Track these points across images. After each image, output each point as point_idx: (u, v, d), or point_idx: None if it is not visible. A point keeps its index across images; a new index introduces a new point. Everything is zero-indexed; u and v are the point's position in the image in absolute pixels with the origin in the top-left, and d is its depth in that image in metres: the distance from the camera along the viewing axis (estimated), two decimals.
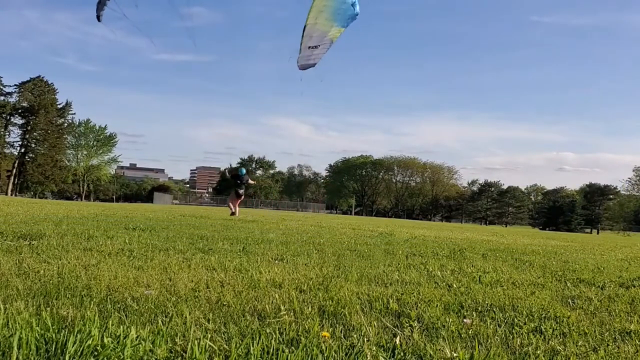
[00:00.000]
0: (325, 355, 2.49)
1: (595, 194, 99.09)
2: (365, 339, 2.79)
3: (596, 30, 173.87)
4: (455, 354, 2.64)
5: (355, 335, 2.86)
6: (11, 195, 67.59)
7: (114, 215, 13.42)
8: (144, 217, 13.38)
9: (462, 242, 11.41)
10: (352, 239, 9.73)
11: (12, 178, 74.40)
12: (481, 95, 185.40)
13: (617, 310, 4.02)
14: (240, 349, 2.46)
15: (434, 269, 5.81)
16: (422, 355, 2.63)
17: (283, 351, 2.45)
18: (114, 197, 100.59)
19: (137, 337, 2.49)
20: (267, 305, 3.39)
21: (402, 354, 2.63)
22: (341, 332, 2.93)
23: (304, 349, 2.52)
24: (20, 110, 75.37)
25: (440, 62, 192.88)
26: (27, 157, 77.25)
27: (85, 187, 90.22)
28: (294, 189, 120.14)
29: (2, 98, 74.62)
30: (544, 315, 3.67)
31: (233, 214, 18.04)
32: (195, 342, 2.45)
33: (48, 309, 2.91)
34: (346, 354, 2.54)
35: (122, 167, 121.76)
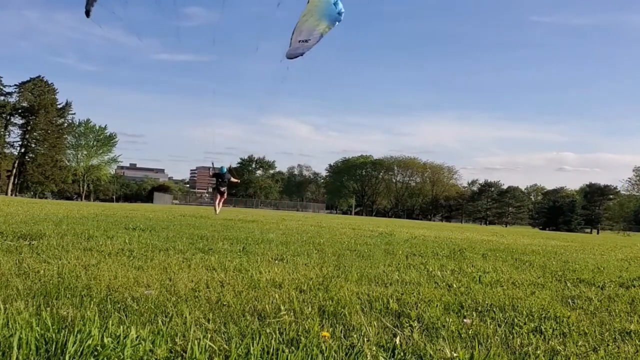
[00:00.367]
0: (325, 355, 2.49)
1: (595, 194, 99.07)
2: (365, 339, 2.79)
3: (596, 30, 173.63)
4: (455, 354, 2.63)
5: (355, 335, 2.85)
6: (11, 195, 67.59)
7: (114, 215, 13.42)
8: (144, 217, 13.38)
9: (462, 242, 11.41)
10: (352, 239, 9.73)
11: (12, 178, 74.39)
12: (481, 95, 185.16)
13: (617, 310, 4.02)
14: (240, 349, 2.46)
15: (434, 269, 5.81)
16: (422, 355, 2.63)
17: (283, 351, 2.45)
18: (114, 197, 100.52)
19: (137, 337, 2.48)
20: (267, 305, 3.39)
21: (402, 354, 2.62)
22: (341, 332, 2.93)
23: (304, 349, 2.51)
24: (20, 110, 75.36)
25: (440, 62, 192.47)
26: (27, 157, 77.25)
27: (85, 187, 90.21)
28: (294, 189, 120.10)
29: (2, 98, 74.61)
30: (544, 315, 3.67)
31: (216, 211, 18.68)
32: (195, 342, 2.45)
33: (48, 309, 2.91)
34: (346, 354, 2.54)
35: (122, 167, 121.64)
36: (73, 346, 2.29)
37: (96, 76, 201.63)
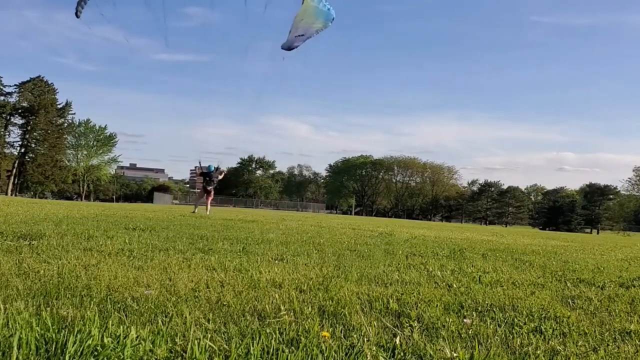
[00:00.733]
0: (325, 355, 2.49)
1: (595, 194, 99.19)
2: (365, 339, 2.79)
3: (596, 30, 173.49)
4: (455, 354, 2.63)
5: (355, 335, 2.85)
6: (11, 195, 67.61)
7: (114, 215, 13.42)
8: (144, 217, 13.38)
9: (462, 242, 11.41)
10: (352, 239, 9.73)
11: (12, 178, 74.46)
12: (481, 95, 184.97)
13: (617, 310, 4.02)
14: (240, 349, 2.46)
15: (434, 269, 5.81)
16: (422, 355, 2.63)
17: (283, 351, 2.45)
18: (114, 197, 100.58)
19: (137, 337, 2.49)
20: (267, 305, 3.39)
21: (402, 354, 2.62)
22: (341, 332, 2.93)
23: (304, 349, 2.52)
24: (20, 110, 75.44)
25: (440, 62, 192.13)
26: (27, 157, 77.33)
27: (85, 187, 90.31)
28: (294, 189, 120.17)
29: (2, 98, 74.69)
30: (544, 315, 3.67)
31: (194, 211, 18.60)
32: (195, 342, 2.45)
33: (48, 309, 2.91)
34: (346, 354, 2.54)
35: (122, 167, 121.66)
36: (73, 346, 2.29)
37: (96, 76, 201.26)
